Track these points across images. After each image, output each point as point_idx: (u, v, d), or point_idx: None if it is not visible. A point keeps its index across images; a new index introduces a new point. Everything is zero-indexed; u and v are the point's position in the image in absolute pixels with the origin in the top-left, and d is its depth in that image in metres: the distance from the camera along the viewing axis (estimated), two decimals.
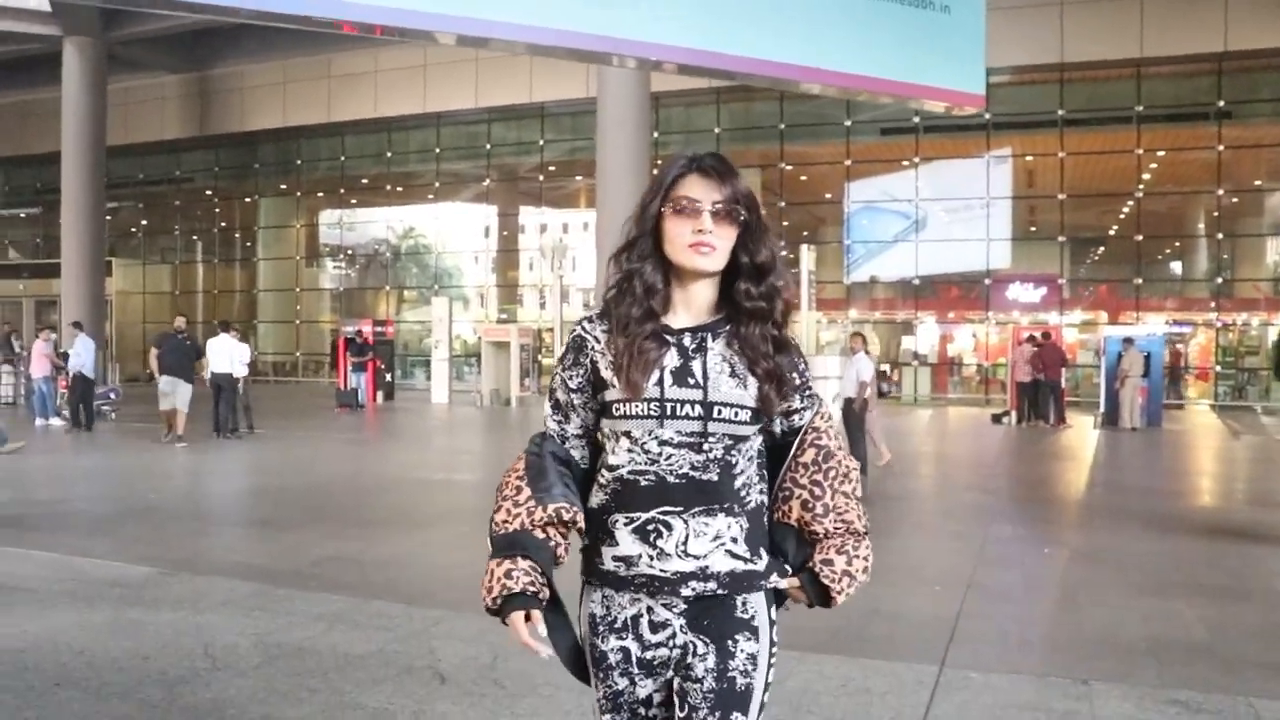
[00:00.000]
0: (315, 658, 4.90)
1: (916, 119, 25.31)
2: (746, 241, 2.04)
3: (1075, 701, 4.43)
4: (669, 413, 1.98)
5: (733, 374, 2.01)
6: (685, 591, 1.98)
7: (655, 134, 26.21)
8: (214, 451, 13.80)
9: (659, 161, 27.23)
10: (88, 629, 5.39)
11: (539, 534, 2.01)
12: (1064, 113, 25.74)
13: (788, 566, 2.07)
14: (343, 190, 33.64)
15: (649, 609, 2.01)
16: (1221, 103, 24.56)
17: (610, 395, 2.03)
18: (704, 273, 2.03)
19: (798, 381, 2.10)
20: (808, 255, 23.77)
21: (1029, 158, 27.14)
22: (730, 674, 1.99)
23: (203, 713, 4.19)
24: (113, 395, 19.64)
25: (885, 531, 8.76)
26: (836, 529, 2.06)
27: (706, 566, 1.97)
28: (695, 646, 2.01)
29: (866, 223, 28.00)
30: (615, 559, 2.01)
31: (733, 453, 2.01)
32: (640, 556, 1.98)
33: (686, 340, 2.03)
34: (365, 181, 33.32)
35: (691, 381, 2.00)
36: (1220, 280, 26.08)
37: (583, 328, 2.10)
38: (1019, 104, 26.31)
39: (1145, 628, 5.76)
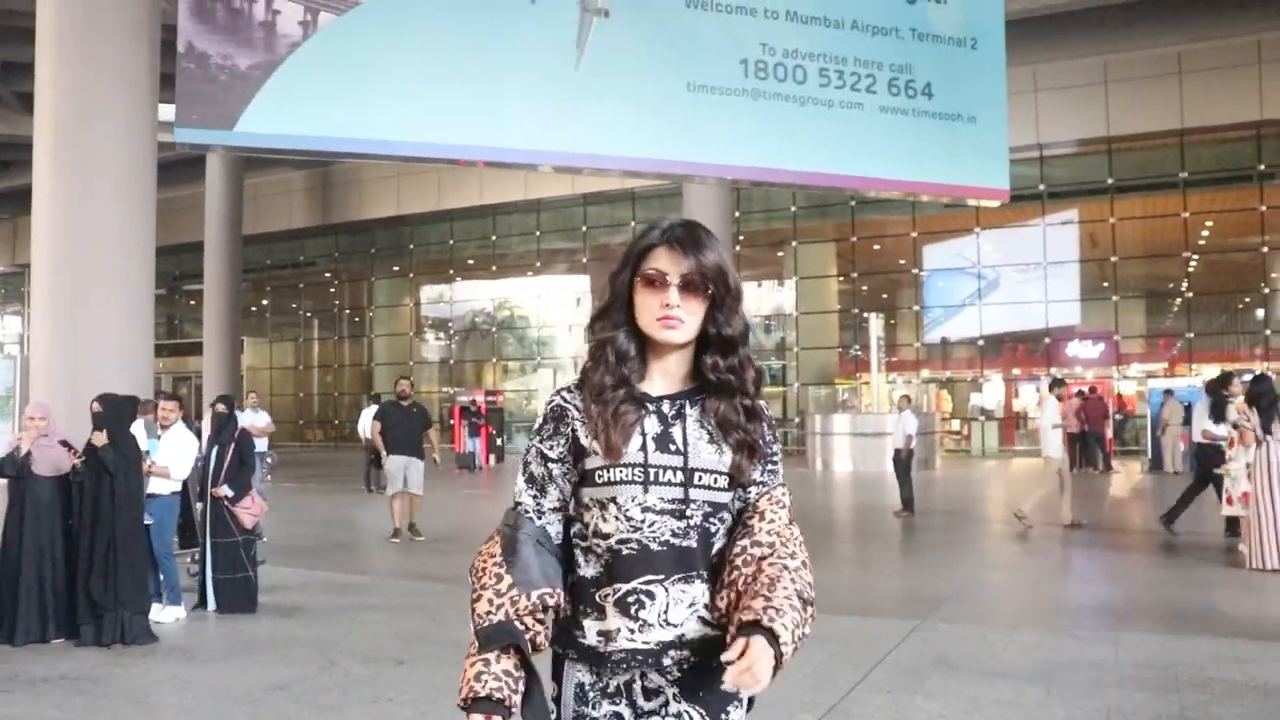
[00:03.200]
0: None
1: None
2: (715, 314, 2.03)
3: (998, 635, 6.80)
4: (652, 478, 1.98)
5: (711, 440, 2.02)
6: (665, 662, 1.97)
7: (736, 213, 28.84)
8: (372, 503, 16.55)
9: (741, 237, 29.97)
10: (343, 606, 8.04)
11: (520, 626, 1.97)
12: (1113, 180, 27.84)
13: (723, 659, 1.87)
14: (450, 271, 36.83)
15: (642, 675, 2.00)
16: (1262, 166, 26.40)
17: (591, 463, 2.01)
18: (673, 345, 2.03)
19: (764, 451, 2.08)
20: (876, 322, 26.28)
21: (1084, 223, 29.14)
22: None
23: (443, 645, 6.75)
24: (269, 460, 22.60)
25: (907, 546, 11.17)
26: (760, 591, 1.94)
27: (683, 634, 1.97)
28: (691, 718, 2.01)
29: (937, 288, 30.23)
30: (599, 634, 1.99)
31: (712, 520, 2.02)
32: (619, 631, 1.97)
33: (665, 407, 2.04)
34: (471, 262, 36.48)
35: (672, 448, 2.00)
36: (1268, 333, 27.76)
37: (562, 397, 2.09)
38: (1073, 174, 28.53)
39: (1073, 601, 8.08)
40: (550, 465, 2.06)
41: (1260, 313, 28.52)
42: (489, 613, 1.96)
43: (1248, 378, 10.40)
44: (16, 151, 26.77)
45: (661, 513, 1.97)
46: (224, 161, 31.92)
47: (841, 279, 31.09)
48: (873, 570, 10.17)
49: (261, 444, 15.00)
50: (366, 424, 17.97)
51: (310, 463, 27.74)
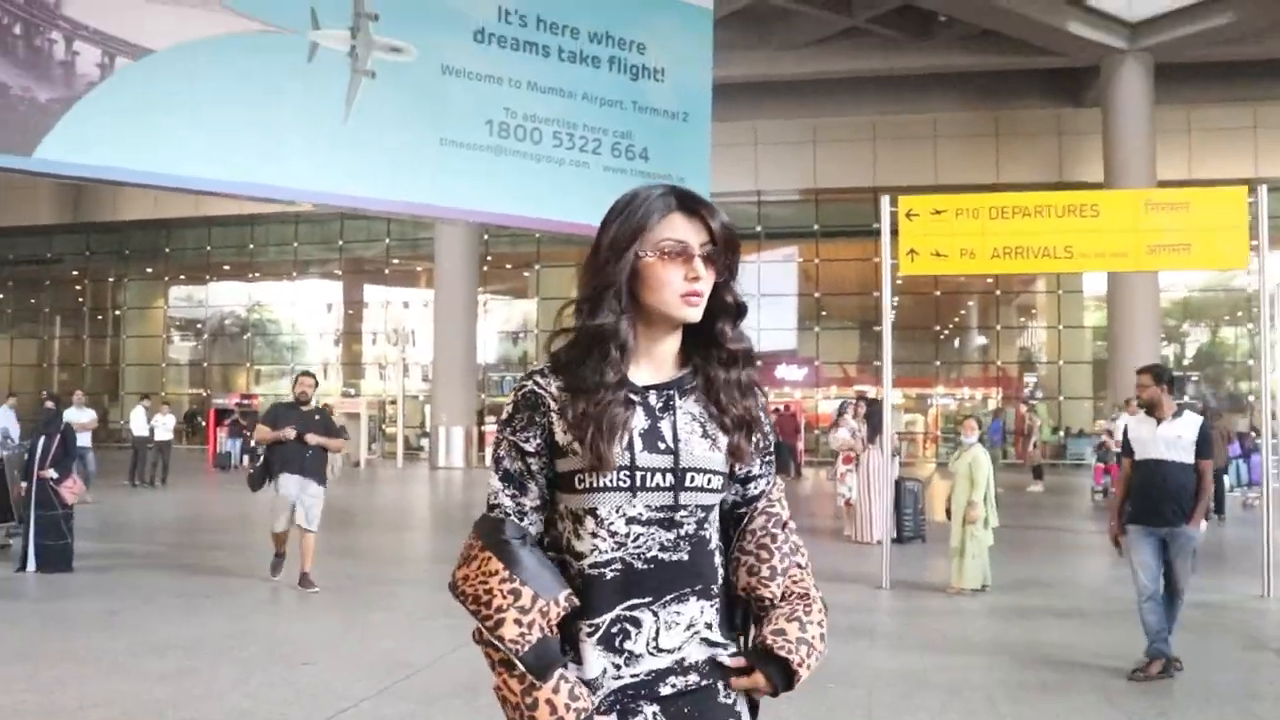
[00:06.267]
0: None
1: None
2: (730, 281, 1.85)
3: None
4: (639, 483, 1.74)
5: (704, 435, 1.81)
6: (664, 690, 1.76)
7: (485, 235, 31.23)
8: (139, 495, 18.00)
9: (489, 258, 32.37)
10: (150, 564, 10.02)
11: (555, 633, 1.73)
12: (819, 226, 31.97)
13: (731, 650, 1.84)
14: (206, 275, 37.60)
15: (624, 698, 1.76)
16: None
17: (568, 465, 1.76)
18: (687, 322, 1.81)
19: (761, 443, 1.89)
20: None
21: (795, 262, 33.19)
22: None
23: (245, 580, 8.88)
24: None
25: None
26: (789, 593, 1.86)
27: (683, 659, 1.77)
28: None
29: None
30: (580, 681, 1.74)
31: (705, 526, 1.81)
32: (605, 672, 1.74)
33: (653, 399, 1.80)
34: (227, 268, 37.40)
35: (662, 446, 1.77)
36: (939, 364, 32.49)
37: (535, 383, 1.81)
38: (786, 218, 32.50)
39: None
40: (529, 460, 1.81)
41: (957, 343, 33.37)
42: (523, 635, 1.70)
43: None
44: None
45: (649, 523, 1.76)
46: None
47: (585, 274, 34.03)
48: None
49: (85, 439, 16.08)
50: (138, 422, 19.42)
51: None
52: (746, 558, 1.87)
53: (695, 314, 1.79)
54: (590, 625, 1.75)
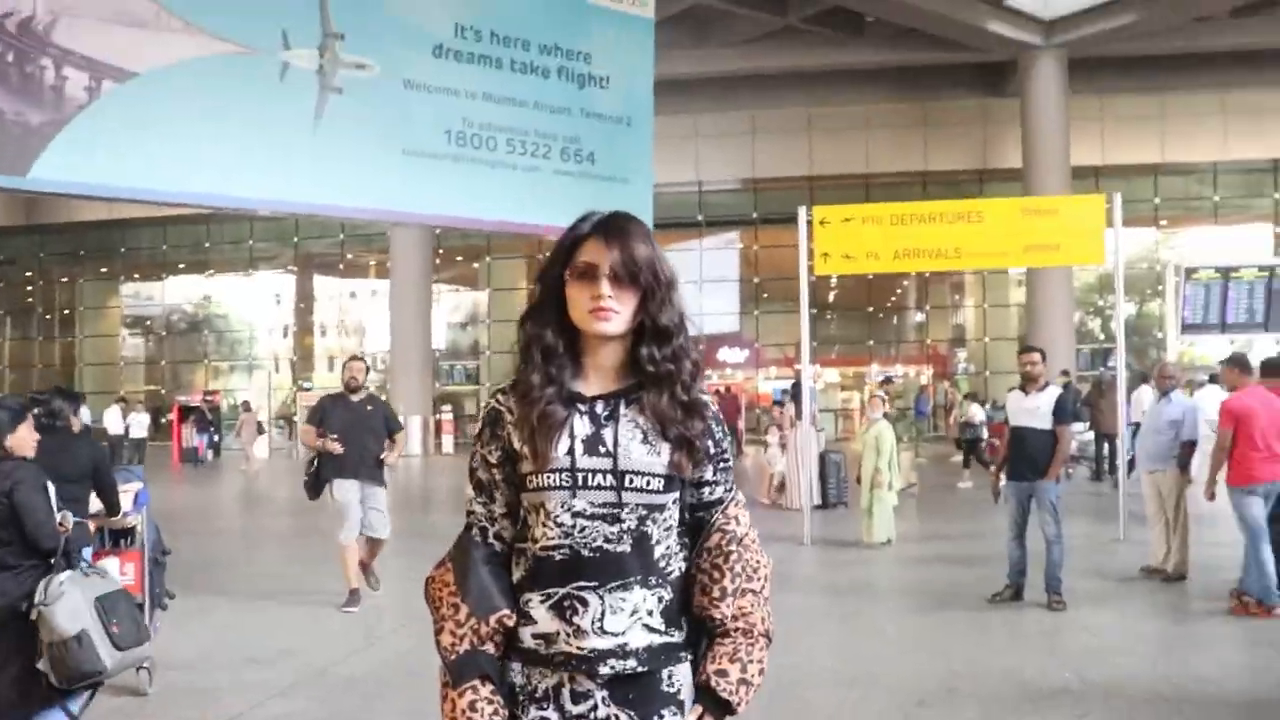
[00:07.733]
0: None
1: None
2: (647, 304, 1.99)
3: None
4: (580, 483, 1.95)
5: (645, 440, 1.98)
6: (604, 670, 1.95)
7: (437, 230, 32.29)
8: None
9: (440, 250, 33.57)
10: None
11: (489, 648, 2.00)
12: (757, 214, 33.52)
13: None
14: (162, 274, 38.36)
15: (570, 678, 1.98)
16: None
17: (524, 468, 1.98)
18: (606, 336, 1.99)
19: (711, 450, 2.06)
20: None
21: (735, 248, 34.75)
22: None
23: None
24: None
25: None
26: (735, 627, 2.02)
27: (625, 644, 1.96)
28: None
29: None
30: (535, 637, 1.99)
31: (648, 523, 1.98)
32: (559, 634, 1.96)
33: (599, 407, 2.00)
34: (182, 267, 38.18)
35: (602, 450, 1.96)
36: (873, 343, 34.28)
37: (497, 400, 2.06)
38: (725, 208, 34.02)
39: None
40: (493, 470, 2.04)
41: (895, 320, 35.05)
42: (454, 645, 1.99)
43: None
44: None
45: (593, 518, 1.95)
46: None
47: (530, 289, 35.24)
48: None
49: None
50: (113, 420, 20.54)
51: None
52: (701, 576, 2.02)
53: (605, 328, 1.96)
54: (544, 595, 1.98)
